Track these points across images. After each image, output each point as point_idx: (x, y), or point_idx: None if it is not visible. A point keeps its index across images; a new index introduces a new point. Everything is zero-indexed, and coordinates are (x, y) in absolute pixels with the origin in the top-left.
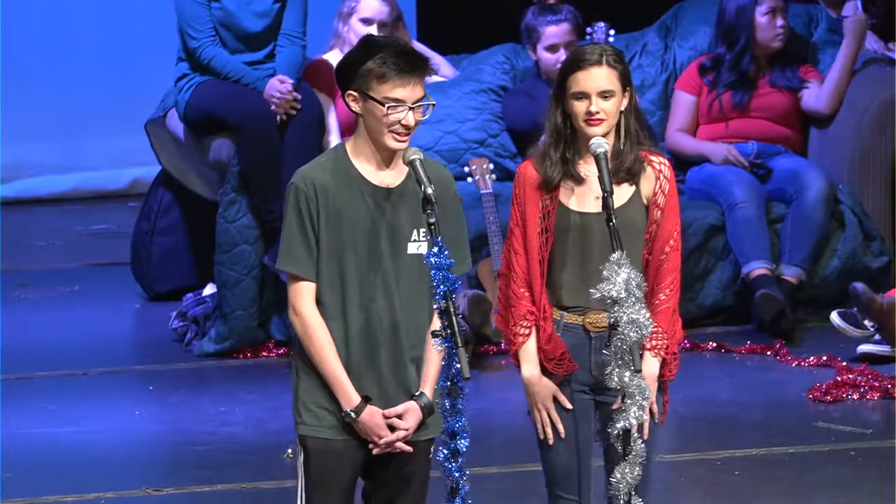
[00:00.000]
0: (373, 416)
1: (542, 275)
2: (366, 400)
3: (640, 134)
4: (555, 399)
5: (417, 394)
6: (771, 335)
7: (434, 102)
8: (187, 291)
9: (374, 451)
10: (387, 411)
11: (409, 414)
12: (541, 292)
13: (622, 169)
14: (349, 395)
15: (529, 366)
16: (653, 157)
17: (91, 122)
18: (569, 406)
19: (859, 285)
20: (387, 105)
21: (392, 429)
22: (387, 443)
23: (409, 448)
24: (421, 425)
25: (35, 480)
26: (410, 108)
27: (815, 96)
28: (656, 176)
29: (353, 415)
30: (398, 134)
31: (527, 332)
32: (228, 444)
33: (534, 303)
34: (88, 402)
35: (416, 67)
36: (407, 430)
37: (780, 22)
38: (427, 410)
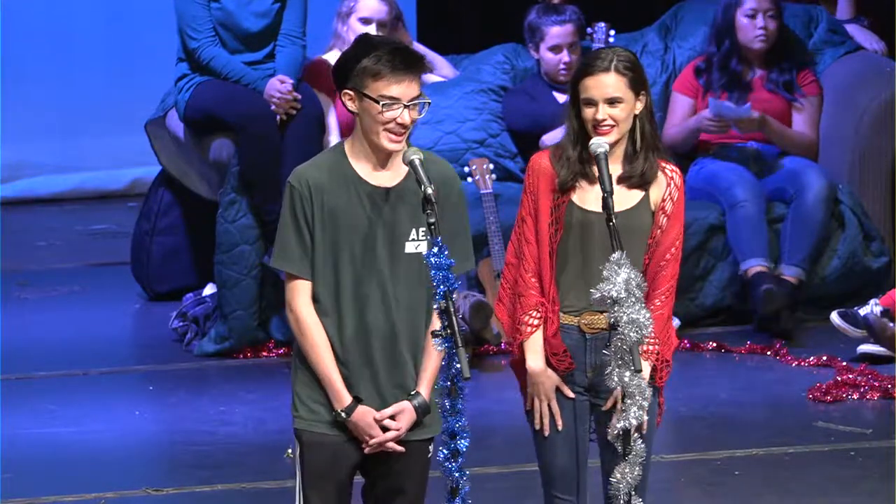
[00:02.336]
0: (364, 416)
1: (551, 266)
2: (357, 400)
3: (656, 139)
4: (557, 391)
5: (413, 394)
6: (771, 335)
7: (430, 101)
8: (187, 291)
9: (366, 451)
10: (379, 413)
11: (402, 414)
12: (550, 283)
13: (635, 174)
14: (340, 395)
15: (535, 357)
16: (665, 165)
17: (91, 122)
18: (571, 395)
19: (870, 316)
20: (382, 103)
21: (385, 429)
22: (378, 443)
23: (400, 448)
24: (417, 425)
25: (35, 480)
26: (406, 107)
27: (801, 122)
28: (667, 183)
29: (343, 414)
30: (394, 133)
31: (536, 322)
32: (228, 444)
33: (543, 294)
34: (88, 402)
35: (410, 65)
36: (398, 430)
37: (760, 23)
38: (422, 411)
